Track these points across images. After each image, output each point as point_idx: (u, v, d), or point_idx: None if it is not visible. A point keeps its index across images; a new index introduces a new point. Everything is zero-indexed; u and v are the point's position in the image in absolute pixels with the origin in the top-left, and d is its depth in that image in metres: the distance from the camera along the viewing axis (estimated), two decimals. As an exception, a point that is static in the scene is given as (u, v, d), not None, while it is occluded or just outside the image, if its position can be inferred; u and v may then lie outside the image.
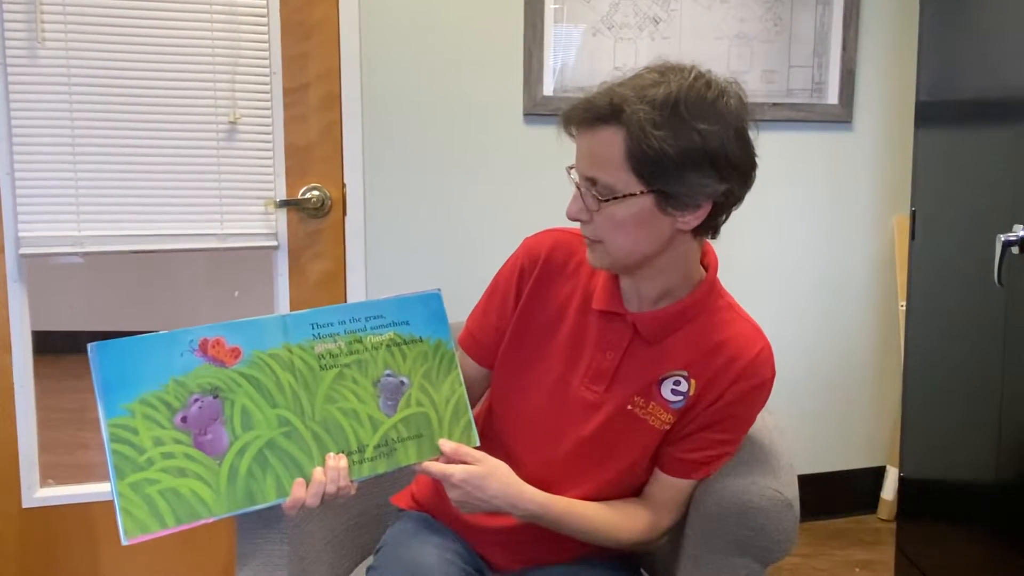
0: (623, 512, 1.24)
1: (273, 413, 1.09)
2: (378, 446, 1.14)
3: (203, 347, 1.07)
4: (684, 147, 1.06)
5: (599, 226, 1.13)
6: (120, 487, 1.00)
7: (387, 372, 1.17)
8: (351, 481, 1.12)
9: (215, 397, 1.07)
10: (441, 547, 1.30)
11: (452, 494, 1.15)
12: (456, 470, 1.14)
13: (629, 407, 1.22)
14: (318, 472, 1.09)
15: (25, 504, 2.08)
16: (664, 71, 1.10)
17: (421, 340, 1.20)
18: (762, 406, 1.25)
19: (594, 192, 1.11)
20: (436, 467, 1.15)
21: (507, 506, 1.15)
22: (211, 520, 1.04)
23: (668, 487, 1.25)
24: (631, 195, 1.09)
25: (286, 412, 1.10)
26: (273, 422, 1.09)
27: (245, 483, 1.06)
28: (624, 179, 1.08)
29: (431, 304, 1.23)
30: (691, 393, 1.20)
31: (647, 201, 1.09)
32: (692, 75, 1.09)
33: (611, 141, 1.08)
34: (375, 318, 1.18)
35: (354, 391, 1.14)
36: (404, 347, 1.19)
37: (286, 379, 1.10)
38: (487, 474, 1.15)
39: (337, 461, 1.11)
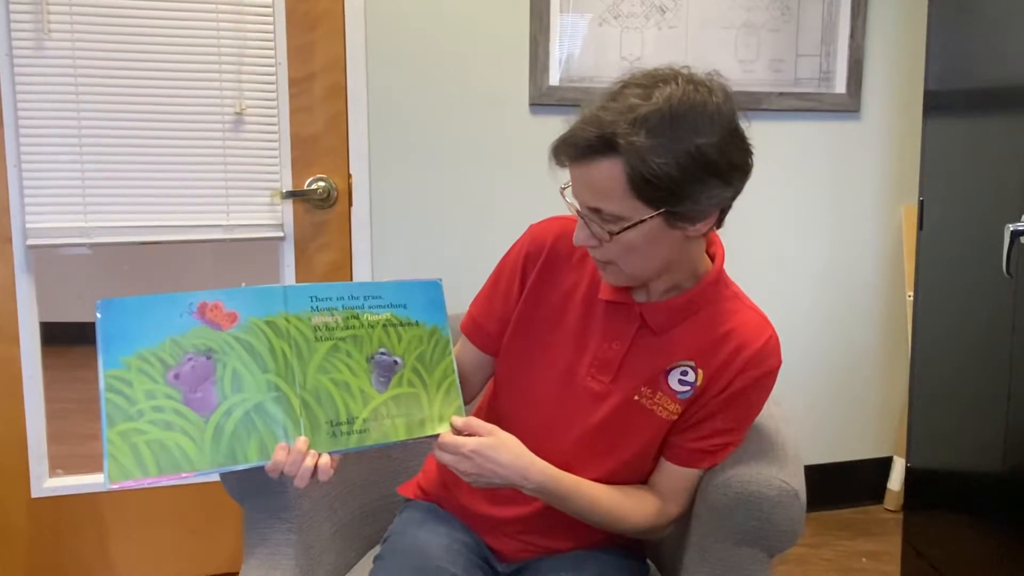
0: (632, 496, 1.24)
1: (264, 378, 1.11)
2: (367, 419, 1.15)
3: (201, 310, 1.11)
4: (686, 165, 1.04)
5: (610, 251, 1.12)
6: (109, 434, 1.04)
7: (381, 350, 1.18)
8: (330, 454, 1.10)
9: (208, 358, 1.09)
10: (448, 537, 1.31)
11: (463, 466, 1.13)
12: (469, 441, 1.13)
13: (636, 397, 1.22)
14: (300, 442, 1.08)
15: (34, 494, 2.09)
16: (646, 85, 1.06)
17: (417, 324, 1.22)
18: (768, 395, 1.24)
19: (601, 222, 1.10)
20: (450, 438, 1.14)
21: (518, 477, 1.14)
22: (192, 474, 1.06)
23: (675, 476, 1.25)
24: (641, 221, 1.08)
25: (276, 378, 1.11)
26: (263, 387, 1.10)
27: (229, 442, 1.08)
28: (630, 206, 1.07)
29: (430, 292, 1.24)
30: (698, 383, 1.20)
31: (657, 222, 1.08)
32: (678, 83, 1.05)
33: (609, 173, 1.05)
34: (374, 298, 1.20)
35: (347, 364, 1.16)
36: (400, 328, 1.20)
37: (280, 346, 1.12)
38: (498, 445, 1.14)
39: (304, 449, 1.07)
